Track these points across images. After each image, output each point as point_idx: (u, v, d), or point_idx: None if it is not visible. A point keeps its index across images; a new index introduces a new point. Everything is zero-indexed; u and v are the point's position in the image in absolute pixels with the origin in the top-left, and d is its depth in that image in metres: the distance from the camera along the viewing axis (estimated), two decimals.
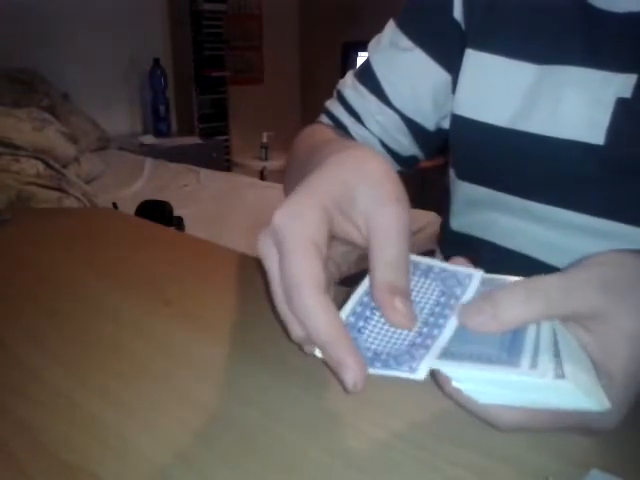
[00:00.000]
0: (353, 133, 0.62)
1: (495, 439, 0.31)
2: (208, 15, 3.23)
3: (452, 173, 0.59)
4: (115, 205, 1.73)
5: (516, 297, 0.28)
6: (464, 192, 0.56)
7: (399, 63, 0.58)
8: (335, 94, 0.65)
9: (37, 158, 1.81)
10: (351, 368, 0.26)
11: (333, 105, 0.64)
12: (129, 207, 1.58)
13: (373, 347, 0.28)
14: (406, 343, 0.28)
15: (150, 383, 0.38)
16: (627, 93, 0.42)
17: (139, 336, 0.44)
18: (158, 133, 3.16)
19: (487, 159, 0.52)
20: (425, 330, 0.29)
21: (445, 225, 0.62)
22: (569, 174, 0.46)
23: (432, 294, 0.31)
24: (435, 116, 0.58)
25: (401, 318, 0.29)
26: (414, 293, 0.31)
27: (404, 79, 0.58)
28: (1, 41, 2.53)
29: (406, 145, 0.61)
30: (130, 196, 2.06)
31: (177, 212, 1.66)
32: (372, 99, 0.60)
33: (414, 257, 0.33)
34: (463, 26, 0.53)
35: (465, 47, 0.52)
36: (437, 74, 0.56)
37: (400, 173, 0.65)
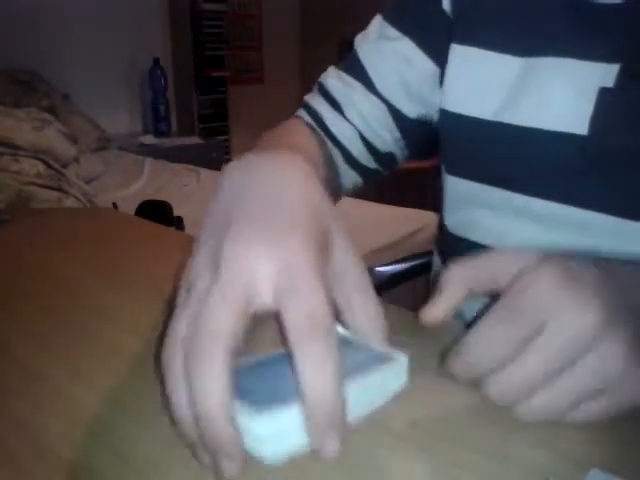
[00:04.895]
0: (331, 126, 0.60)
1: (495, 439, 0.31)
2: (208, 15, 3.23)
3: (442, 169, 0.59)
4: (115, 205, 1.73)
5: None
6: (452, 187, 0.56)
7: (386, 51, 0.57)
8: (316, 87, 0.64)
9: (37, 158, 1.81)
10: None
11: (313, 98, 0.63)
12: (129, 207, 1.58)
13: None
14: None
15: (150, 383, 0.38)
16: (610, 82, 0.42)
17: (139, 336, 0.44)
18: (158, 133, 3.16)
19: (473, 152, 0.52)
20: None
21: (440, 224, 0.62)
22: (554, 165, 0.46)
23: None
24: (419, 106, 0.58)
25: None
26: None
27: (391, 66, 0.57)
28: (1, 41, 2.52)
29: (387, 139, 0.60)
30: (130, 196, 2.06)
31: (177, 212, 1.66)
32: (357, 85, 0.59)
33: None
34: (452, 17, 0.53)
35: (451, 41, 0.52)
36: (424, 64, 0.55)
37: (379, 174, 0.64)
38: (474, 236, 0.54)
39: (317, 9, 3.80)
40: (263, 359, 0.32)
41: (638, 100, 0.41)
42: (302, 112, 0.64)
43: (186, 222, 1.64)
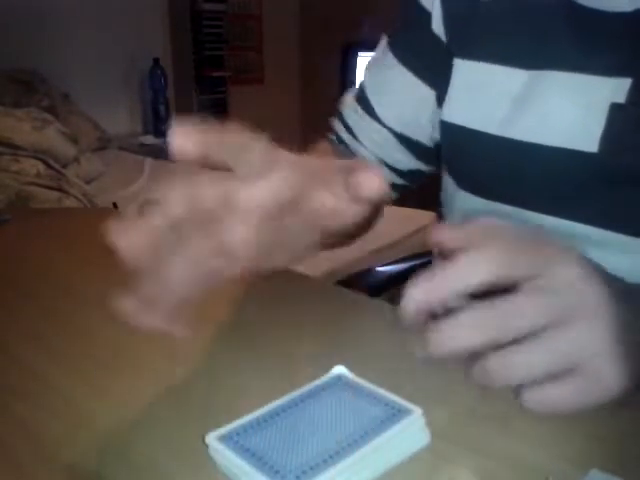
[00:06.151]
0: (353, 150, 0.63)
1: (495, 439, 0.31)
2: (208, 15, 3.22)
3: (449, 183, 0.57)
4: (115, 205, 1.73)
5: None
6: (462, 202, 0.55)
7: (385, 80, 0.58)
8: (337, 113, 0.67)
9: (37, 158, 1.81)
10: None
11: (336, 123, 0.66)
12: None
13: None
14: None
15: (150, 383, 0.38)
16: (621, 98, 0.40)
17: (139, 336, 0.44)
18: (158, 133, 3.16)
19: (479, 167, 0.51)
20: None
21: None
22: (562, 182, 0.45)
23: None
24: (427, 130, 0.58)
25: None
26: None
27: (390, 96, 0.58)
28: (1, 41, 2.52)
29: (403, 160, 0.61)
30: (130, 196, 2.06)
31: None
32: (366, 118, 0.60)
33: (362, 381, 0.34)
34: (443, 38, 0.52)
35: (450, 58, 0.51)
36: (419, 90, 0.55)
37: (404, 187, 0.65)
38: None
39: (317, 9, 3.80)
40: (268, 414, 0.32)
41: None
42: (332, 136, 0.66)
43: None
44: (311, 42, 3.89)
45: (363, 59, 3.15)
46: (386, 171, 0.62)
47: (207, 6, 3.20)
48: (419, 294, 0.28)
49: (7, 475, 0.30)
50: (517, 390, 0.29)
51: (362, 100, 0.61)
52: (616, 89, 0.40)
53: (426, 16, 0.53)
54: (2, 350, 0.43)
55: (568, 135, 0.43)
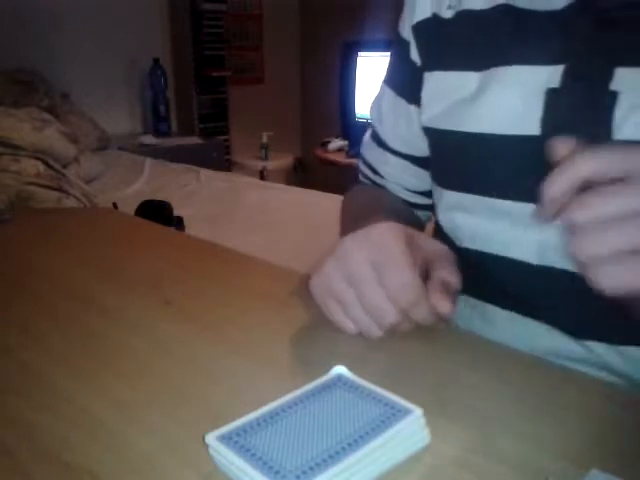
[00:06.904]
0: (377, 182, 0.68)
1: (495, 439, 0.31)
2: (208, 15, 3.22)
3: (432, 183, 0.61)
4: (115, 205, 1.73)
5: None
6: (439, 198, 0.58)
7: (384, 109, 0.64)
8: (359, 155, 0.72)
9: (37, 158, 1.81)
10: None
11: (360, 164, 0.71)
12: (129, 207, 1.58)
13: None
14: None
15: (150, 383, 0.38)
16: (556, 83, 0.45)
17: (139, 336, 0.44)
18: (158, 133, 3.16)
19: (444, 162, 0.56)
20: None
21: (435, 229, 0.63)
22: (514, 167, 0.48)
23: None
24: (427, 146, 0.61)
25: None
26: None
27: (390, 122, 0.64)
28: (1, 41, 2.52)
29: (422, 183, 0.64)
30: (130, 196, 2.06)
31: (177, 212, 1.66)
32: (380, 151, 0.65)
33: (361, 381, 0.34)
34: (419, 63, 0.58)
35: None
36: (409, 111, 0.60)
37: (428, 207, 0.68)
38: (455, 239, 0.56)
39: (317, 9, 3.80)
40: (271, 414, 0.32)
41: (582, 99, 0.44)
42: (362, 177, 0.72)
43: (186, 222, 1.64)
44: (311, 42, 3.89)
45: (363, 59, 3.15)
46: (413, 196, 0.66)
47: (207, 6, 3.20)
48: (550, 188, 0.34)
49: (7, 475, 0.30)
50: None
51: (374, 135, 0.66)
52: (551, 75, 0.45)
53: (406, 46, 0.59)
54: (2, 350, 0.43)
55: (513, 122, 0.47)
